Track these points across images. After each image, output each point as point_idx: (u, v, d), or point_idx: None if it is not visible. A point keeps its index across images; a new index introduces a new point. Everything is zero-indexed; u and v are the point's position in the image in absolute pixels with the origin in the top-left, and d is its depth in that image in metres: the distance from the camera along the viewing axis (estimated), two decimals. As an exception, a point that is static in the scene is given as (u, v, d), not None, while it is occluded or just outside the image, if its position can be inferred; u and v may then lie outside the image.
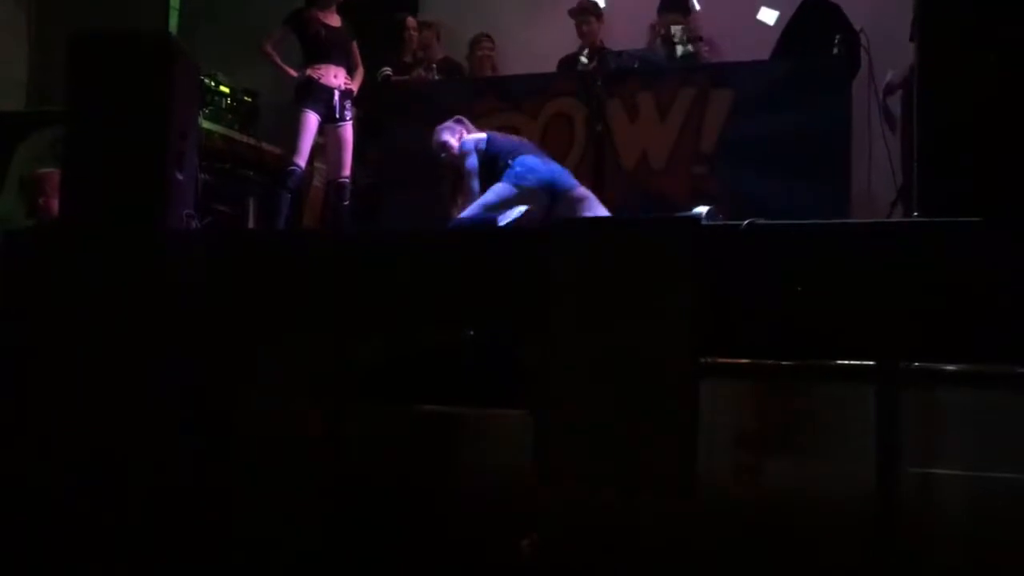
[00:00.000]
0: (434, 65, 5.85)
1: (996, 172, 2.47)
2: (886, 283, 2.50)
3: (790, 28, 4.78)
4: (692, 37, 5.38)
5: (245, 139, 5.45)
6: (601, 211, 4.06)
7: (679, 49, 5.37)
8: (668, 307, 2.55)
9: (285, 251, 3.27)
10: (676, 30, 5.32)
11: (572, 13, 5.53)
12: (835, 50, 4.59)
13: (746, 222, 2.54)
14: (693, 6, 5.67)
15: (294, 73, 4.78)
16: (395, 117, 5.32)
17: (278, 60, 4.82)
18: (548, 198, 4.06)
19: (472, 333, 3.00)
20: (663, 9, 5.49)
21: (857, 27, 4.73)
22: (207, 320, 2.92)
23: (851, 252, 2.51)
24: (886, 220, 3.84)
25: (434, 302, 2.93)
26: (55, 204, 4.25)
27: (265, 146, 5.50)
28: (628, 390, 2.57)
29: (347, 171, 4.82)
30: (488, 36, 5.84)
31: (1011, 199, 2.42)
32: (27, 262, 3.13)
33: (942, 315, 2.46)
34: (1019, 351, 2.46)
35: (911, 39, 4.15)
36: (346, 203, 4.82)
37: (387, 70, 5.60)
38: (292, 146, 4.66)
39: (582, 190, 4.15)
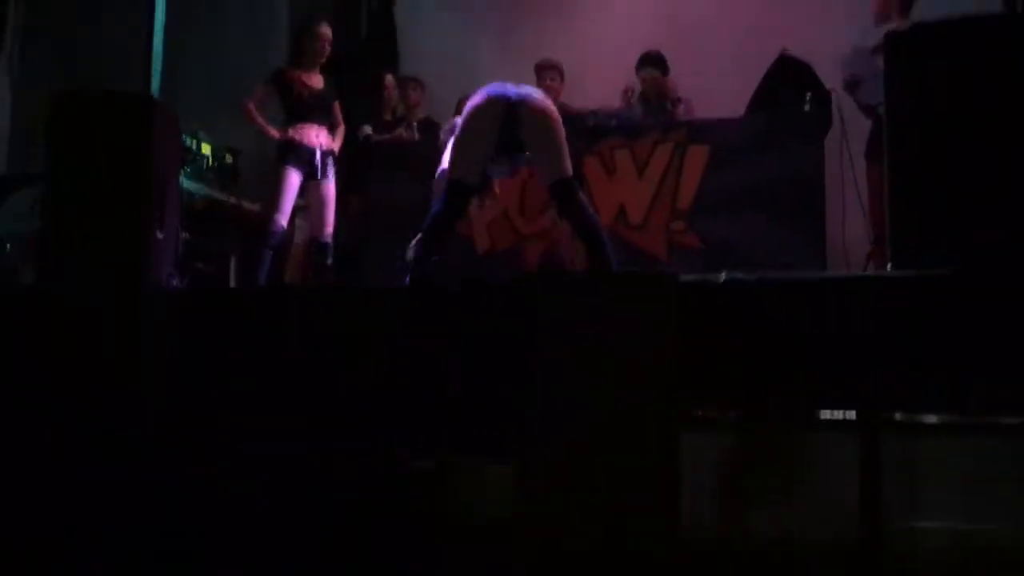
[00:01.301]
0: (415, 124, 5.93)
1: (966, 226, 2.52)
2: (864, 335, 2.53)
3: (763, 85, 4.89)
4: (671, 98, 5.50)
5: (226, 198, 5.48)
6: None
7: (653, 106, 5.50)
8: (649, 360, 2.57)
9: (267, 308, 3.27)
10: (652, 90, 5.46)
11: (538, 68, 5.64)
12: (807, 107, 4.70)
13: (724, 277, 2.58)
14: (669, 67, 5.81)
15: (276, 133, 4.81)
16: (376, 175, 5.38)
17: (260, 120, 4.85)
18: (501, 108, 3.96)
19: (459, 386, 3.00)
20: (641, 66, 5.58)
21: (828, 86, 4.85)
22: (188, 379, 2.91)
23: (829, 305, 2.55)
24: (862, 274, 3.89)
25: (418, 357, 2.93)
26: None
27: (246, 204, 5.52)
28: (611, 441, 2.57)
29: (330, 229, 4.83)
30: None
31: (981, 252, 2.48)
32: (6, 322, 3.11)
33: (920, 366, 2.49)
34: (996, 402, 2.49)
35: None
36: (329, 262, 4.81)
37: (367, 128, 5.67)
38: (274, 204, 4.67)
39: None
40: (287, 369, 3.05)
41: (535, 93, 4.05)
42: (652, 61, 5.58)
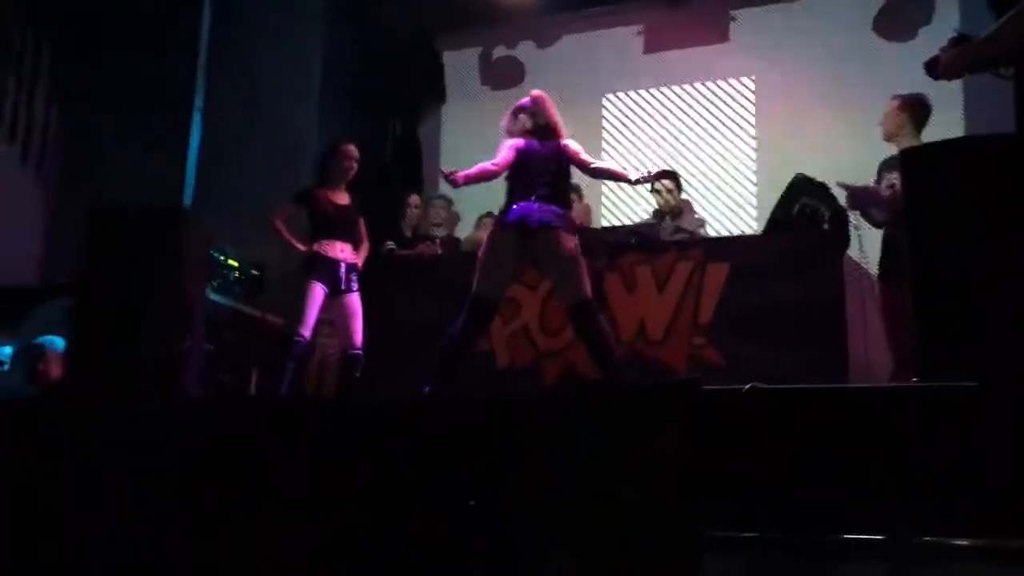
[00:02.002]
0: (437, 240, 6.04)
1: (991, 338, 2.51)
2: (890, 449, 2.49)
3: (781, 205, 4.96)
4: (681, 209, 5.69)
5: (251, 311, 5.55)
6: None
7: (669, 223, 5.62)
8: (666, 477, 2.51)
9: (285, 418, 3.26)
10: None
11: None
12: (825, 226, 4.76)
13: (748, 386, 2.56)
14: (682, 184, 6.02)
15: (302, 247, 4.90)
16: (397, 289, 5.44)
17: (287, 234, 4.95)
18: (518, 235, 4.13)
19: (472, 504, 2.95)
20: (657, 179, 5.80)
21: (844, 206, 4.92)
22: (211, 484, 2.89)
23: (854, 416, 2.52)
24: (886, 385, 3.85)
25: (430, 472, 2.90)
26: (54, 370, 4.29)
27: (269, 317, 5.58)
28: (626, 566, 2.50)
29: (359, 341, 4.82)
30: (491, 214, 6.07)
31: (1008, 364, 2.46)
32: (30, 429, 3.12)
33: (947, 483, 2.44)
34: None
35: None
36: (357, 375, 4.79)
37: (391, 244, 5.77)
38: (297, 316, 4.70)
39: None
40: (303, 481, 3.02)
41: (555, 218, 4.13)
42: (667, 174, 5.84)
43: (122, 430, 2.97)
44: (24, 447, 3.08)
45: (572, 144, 4.37)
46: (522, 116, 4.38)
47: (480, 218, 6.27)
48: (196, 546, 2.91)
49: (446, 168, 4.44)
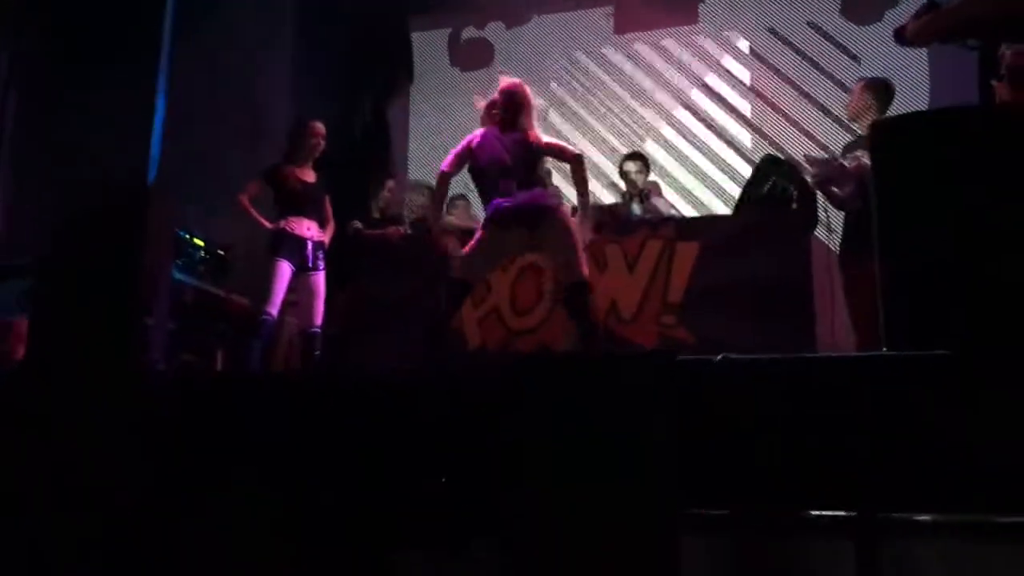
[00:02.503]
0: (406, 222, 5.99)
1: (961, 309, 2.53)
2: (861, 421, 2.49)
3: (751, 184, 4.98)
4: (649, 191, 5.72)
5: (216, 291, 5.48)
6: None
7: (637, 206, 5.65)
8: (646, 448, 2.51)
9: (253, 394, 3.22)
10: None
11: None
12: (794, 205, 4.78)
13: (719, 356, 2.56)
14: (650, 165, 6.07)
15: (268, 224, 4.86)
16: (364, 269, 5.40)
17: (253, 212, 4.90)
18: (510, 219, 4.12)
19: (444, 480, 2.93)
20: (625, 160, 5.98)
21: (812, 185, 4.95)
22: (173, 460, 2.84)
23: (825, 387, 2.52)
24: (858, 354, 3.87)
25: (404, 446, 2.87)
26: (19, 351, 4.21)
27: (235, 298, 5.52)
28: (605, 541, 2.49)
29: (319, 320, 4.82)
30: (464, 196, 6.03)
31: (975, 333, 2.47)
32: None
33: (918, 455, 2.45)
34: (998, 498, 2.42)
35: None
36: (317, 352, 4.78)
37: (357, 224, 5.72)
38: (264, 295, 4.66)
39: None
40: (273, 456, 2.98)
41: (547, 199, 4.18)
42: (634, 156, 5.98)
43: (86, 408, 2.91)
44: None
45: (545, 138, 4.29)
46: (494, 111, 4.36)
47: (452, 199, 6.21)
48: (166, 525, 2.86)
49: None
